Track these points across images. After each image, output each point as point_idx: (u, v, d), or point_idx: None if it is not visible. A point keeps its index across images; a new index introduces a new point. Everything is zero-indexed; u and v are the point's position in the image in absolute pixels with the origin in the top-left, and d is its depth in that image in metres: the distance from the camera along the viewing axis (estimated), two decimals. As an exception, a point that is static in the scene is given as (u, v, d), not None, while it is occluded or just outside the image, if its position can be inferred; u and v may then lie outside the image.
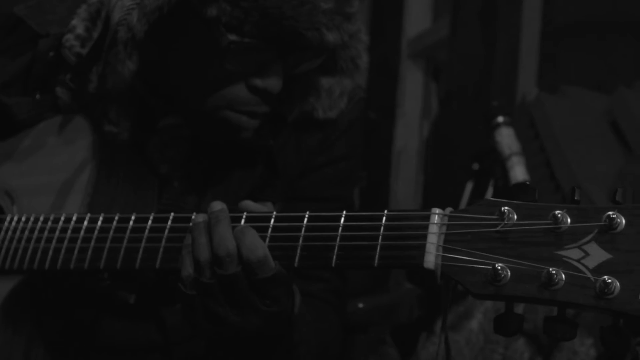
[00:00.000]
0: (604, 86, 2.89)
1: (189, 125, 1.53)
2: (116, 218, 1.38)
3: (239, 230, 1.22)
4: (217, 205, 1.25)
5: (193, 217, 1.29)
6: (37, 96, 1.59)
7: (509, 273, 1.05)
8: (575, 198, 1.08)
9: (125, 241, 1.35)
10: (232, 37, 1.38)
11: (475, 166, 3.38)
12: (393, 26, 4.63)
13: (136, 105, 1.53)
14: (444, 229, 1.11)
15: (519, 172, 2.49)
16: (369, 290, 2.30)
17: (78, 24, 1.53)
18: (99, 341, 1.58)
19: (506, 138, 2.54)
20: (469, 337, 2.03)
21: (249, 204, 1.29)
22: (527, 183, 1.11)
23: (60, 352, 1.55)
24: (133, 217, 1.37)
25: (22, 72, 1.60)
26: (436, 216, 1.12)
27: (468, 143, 3.81)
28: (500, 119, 2.58)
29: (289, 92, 1.51)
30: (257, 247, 1.20)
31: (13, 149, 1.61)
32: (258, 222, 1.25)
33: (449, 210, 1.12)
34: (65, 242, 1.42)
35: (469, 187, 3.40)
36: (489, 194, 3.12)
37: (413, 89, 4.58)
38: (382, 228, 1.14)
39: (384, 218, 1.15)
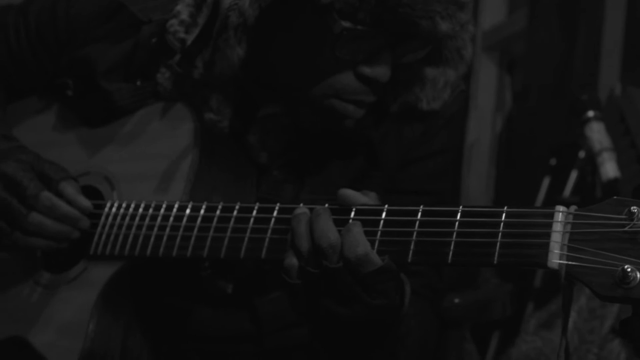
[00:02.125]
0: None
1: (291, 114, 1.52)
2: (220, 207, 1.38)
3: (345, 228, 1.21)
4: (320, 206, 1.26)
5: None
6: (138, 83, 1.59)
7: (639, 275, 1.02)
8: None
9: (229, 230, 1.35)
10: (346, 24, 1.36)
11: (553, 161, 3.33)
12: (468, 18, 4.57)
13: (237, 94, 1.52)
14: (568, 228, 1.07)
15: (610, 169, 2.43)
16: (458, 285, 2.27)
17: (182, 10, 1.52)
18: (192, 329, 1.59)
19: (597, 133, 2.48)
20: (563, 336, 1.98)
21: (347, 192, 1.27)
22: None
23: (156, 338, 1.55)
24: (237, 207, 1.36)
25: (123, 59, 1.60)
26: (560, 214, 1.08)
27: (545, 138, 3.76)
28: (590, 113, 2.52)
29: (393, 82, 1.49)
30: (358, 244, 1.19)
31: (113, 135, 1.61)
32: (369, 215, 1.23)
33: (573, 208, 1.09)
34: (167, 229, 1.42)
35: (545, 182, 3.36)
36: (568, 190, 3.07)
37: (487, 82, 4.52)
38: (501, 225, 1.12)
39: (504, 214, 1.12)
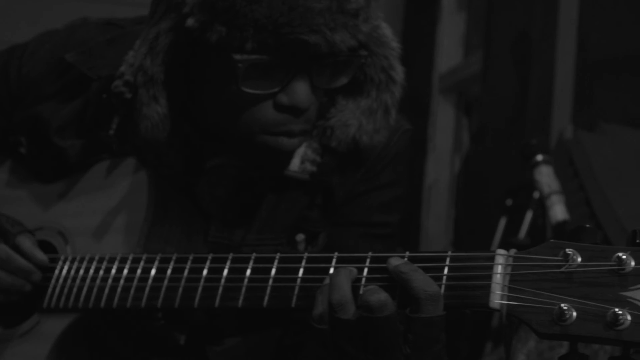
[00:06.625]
0: (640, 122, 2.89)
1: (238, 157, 1.54)
2: (173, 258, 1.40)
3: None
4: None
5: (250, 257, 1.30)
6: (91, 138, 1.61)
7: (575, 313, 1.06)
8: (637, 241, 1.09)
9: (183, 280, 1.37)
10: (237, 56, 1.36)
11: (509, 202, 3.37)
12: (424, 61, 4.66)
13: (185, 148, 1.54)
14: (508, 270, 1.12)
15: (559, 211, 2.48)
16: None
17: (126, 70, 1.53)
18: None
19: (545, 177, 2.53)
20: (514, 379, 2.02)
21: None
22: (587, 225, 1.13)
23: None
24: (191, 257, 1.38)
25: (76, 115, 1.62)
26: (500, 257, 1.13)
27: (501, 179, 3.81)
28: (539, 157, 2.57)
29: (327, 117, 1.51)
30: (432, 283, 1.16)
31: (67, 190, 1.63)
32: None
33: (513, 251, 1.14)
34: (122, 281, 1.43)
35: (502, 223, 3.40)
36: (523, 231, 3.11)
37: (444, 123, 4.59)
38: (446, 269, 1.15)
39: (448, 259, 1.16)
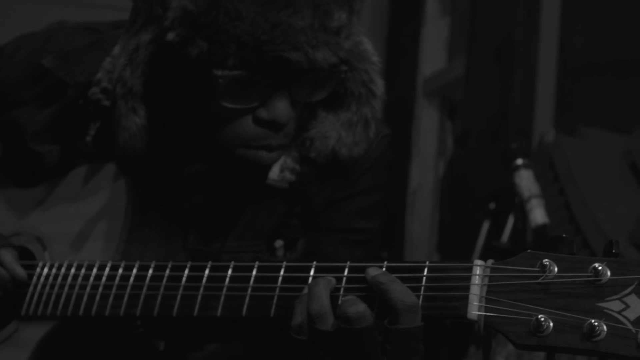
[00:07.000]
0: (622, 127, 2.90)
1: (217, 168, 1.54)
2: (152, 266, 1.39)
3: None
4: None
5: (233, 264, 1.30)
6: (68, 144, 1.60)
7: (552, 324, 1.06)
8: (614, 251, 1.09)
9: (162, 289, 1.36)
10: (218, 72, 1.36)
11: (492, 205, 3.38)
12: (408, 65, 4.67)
13: (164, 155, 1.54)
14: (486, 280, 1.12)
15: (538, 215, 2.48)
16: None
17: (103, 77, 1.51)
18: None
19: (525, 180, 2.54)
20: (492, 383, 2.02)
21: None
22: (564, 235, 1.13)
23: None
24: (170, 265, 1.38)
25: (52, 121, 1.61)
26: (478, 268, 1.13)
27: (484, 182, 3.82)
28: (519, 161, 2.58)
29: (306, 128, 1.52)
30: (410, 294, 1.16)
31: (44, 196, 1.62)
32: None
33: (490, 262, 1.14)
34: (100, 288, 1.43)
35: (485, 226, 3.40)
36: (506, 234, 3.12)
37: (428, 127, 4.60)
38: (424, 279, 1.15)
39: (426, 269, 1.16)
